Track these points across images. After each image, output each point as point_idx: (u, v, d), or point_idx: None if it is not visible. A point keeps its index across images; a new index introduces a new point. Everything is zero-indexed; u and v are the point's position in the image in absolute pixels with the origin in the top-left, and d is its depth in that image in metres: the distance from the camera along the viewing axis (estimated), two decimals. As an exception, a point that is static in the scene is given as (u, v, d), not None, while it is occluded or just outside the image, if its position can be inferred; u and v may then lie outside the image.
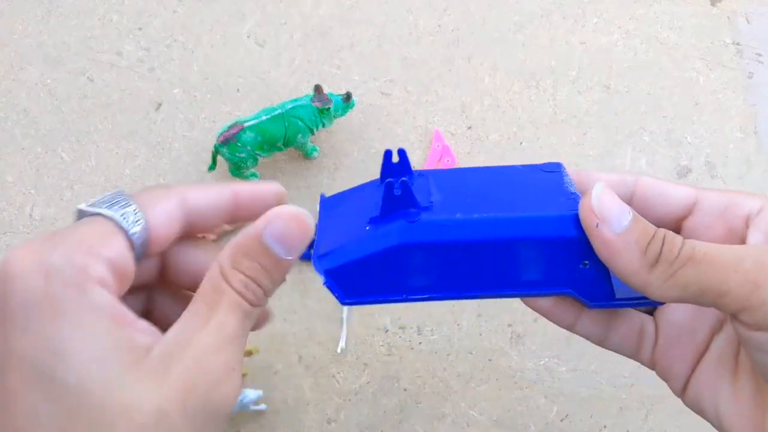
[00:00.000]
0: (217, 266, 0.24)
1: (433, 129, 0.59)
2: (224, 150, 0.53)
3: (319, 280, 0.57)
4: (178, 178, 0.58)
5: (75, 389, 0.20)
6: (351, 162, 0.58)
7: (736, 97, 0.60)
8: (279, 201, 0.28)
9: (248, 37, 0.63)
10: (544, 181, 0.29)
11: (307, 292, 0.54)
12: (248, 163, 0.54)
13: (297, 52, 0.62)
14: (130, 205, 0.24)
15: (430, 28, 0.63)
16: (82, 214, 0.24)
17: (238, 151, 0.53)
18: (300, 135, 0.54)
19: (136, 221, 0.23)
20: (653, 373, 0.32)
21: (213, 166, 0.56)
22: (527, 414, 0.51)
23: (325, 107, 0.54)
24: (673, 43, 0.62)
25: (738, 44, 0.62)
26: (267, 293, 0.26)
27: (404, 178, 0.26)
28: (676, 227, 0.30)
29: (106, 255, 0.22)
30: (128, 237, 0.23)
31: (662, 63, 0.62)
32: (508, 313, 0.54)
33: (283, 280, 0.26)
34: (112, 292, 0.22)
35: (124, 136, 0.60)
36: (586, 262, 0.26)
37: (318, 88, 0.54)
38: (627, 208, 0.25)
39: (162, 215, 0.24)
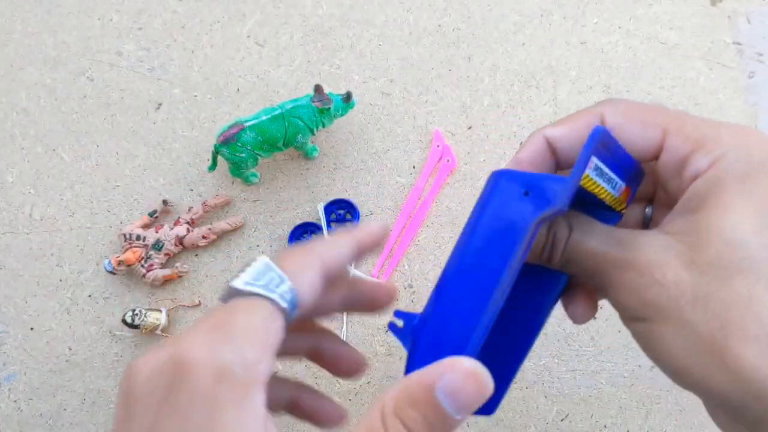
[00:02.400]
0: (379, 407, 0.23)
1: (433, 129, 0.59)
2: (224, 150, 0.53)
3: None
4: (178, 178, 0.58)
5: None
6: (351, 162, 0.58)
7: (736, 97, 0.60)
8: (383, 235, 0.29)
9: (248, 37, 0.63)
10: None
11: (307, 292, 0.54)
12: (248, 163, 0.54)
13: (297, 52, 0.62)
14: (285, 282, 0.24)
15: (430, 28, 0.63)
16: (237, 293, 0.24)
17: (238, 151, 0.53)
18: (300, 135, 0.54)
19: (292, 299, 0.24)
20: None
21: (213, 166, 0.56)
22: (527, 414, 0.51)
23: (325, 107, 0.54)
24: (673, 43, 0.62)
25: (738, 44, 0.62)
26: None
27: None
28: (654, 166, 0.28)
29: (272, 342, 0.23)
30: (286, 316, 0.24)
31: (662, 63, 0.62)
32: (508, 313, 0.54)
33: None
34: (267, 382, 0.22)
35: (124, 136, 0.60)
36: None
37: (318, 88, 0.54)
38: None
39: (309, 288, 0.25)
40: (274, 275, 0.24)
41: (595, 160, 0.25)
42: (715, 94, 0.60)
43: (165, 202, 0.56)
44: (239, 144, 0.53)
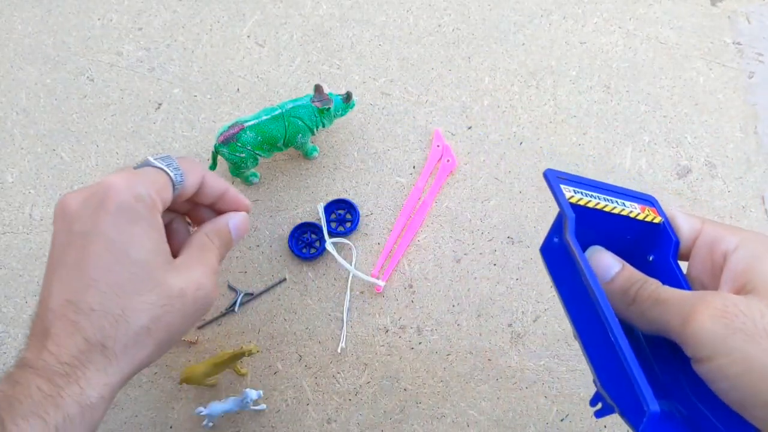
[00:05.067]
0: (202, 232, 0.42)
1: (433, 129, 0.59)
2: (224, 150, 0.53)
3: (319, 279, 0.56)
4: (178, 178, 0.58)
5: (137, 262, 0.36)
6: (351, 162, 0.58)
7: (736, 97, 0.60)
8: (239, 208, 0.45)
9: (248, 37, 0.63)
10: None
11: (307, 291, 0.54)
12: (248, 163, 0.54)
13: (297, 52, 0.62)
14: (179, 169, 0.40)
15: (430, 28, 0.63)
16: (148, 163, 0.39)
17: (238, 151, 0.53)
18: (300, 135, 0.54)
19: (180, 181, 0.39)
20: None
21: (213, 165, 0.56)
22: (527, 414, 0.51)
23: (325, 107, 0.54)
24: (673, 43, 0.62)
25: (738, 44, 0.62)
26: (225, 253, 0.43)
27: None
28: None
29: (164, 197, 0.38)
30: (174, 188, 0.39)
31: (662, 63, 0.62)
32: (508, 313, 0.54)
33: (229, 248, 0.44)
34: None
35: (124, 136, 0.60)
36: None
37: (318, 88, 0.54)
38: (615, 264, 0.34)
39: (192, 180, 0.41)
40: (173, 162, 0.40)
41: (569, 188, 0.34)
42: (715, 94, 0.60)
43: (165, 202, 0.56)
44: (239, 144, 0.53)
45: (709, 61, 0.62)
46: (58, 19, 0.64)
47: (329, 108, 0.54)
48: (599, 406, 0.33)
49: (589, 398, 0.53)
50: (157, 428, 0.51)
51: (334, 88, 0.60)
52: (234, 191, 0.44)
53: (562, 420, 0.51)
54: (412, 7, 0.64)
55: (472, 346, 0.53)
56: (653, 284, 0.33)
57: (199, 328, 0.54)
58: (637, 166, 0.58)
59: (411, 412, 0.51)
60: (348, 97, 0.55)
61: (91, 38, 0.63)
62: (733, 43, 0.62)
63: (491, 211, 0.57)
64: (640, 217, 0.36)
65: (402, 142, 0.59)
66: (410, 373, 0.52)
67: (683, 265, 0.36)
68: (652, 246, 0.37)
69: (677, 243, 0.36)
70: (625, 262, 0.35)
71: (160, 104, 0.61)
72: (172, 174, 0.39)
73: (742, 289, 0.31)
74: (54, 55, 0.63)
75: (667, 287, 0.33)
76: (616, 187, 0.37)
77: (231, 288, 0.55)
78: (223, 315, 0.54)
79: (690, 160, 0.58)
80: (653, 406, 0.28)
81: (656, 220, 0.36)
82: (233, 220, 0.44)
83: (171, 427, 0.51)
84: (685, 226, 0.36)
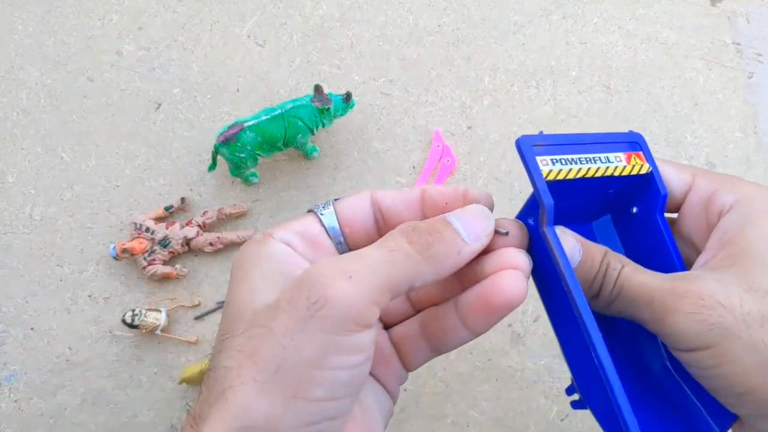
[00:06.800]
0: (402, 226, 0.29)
1: (433, 129, 0.59)
2: (224, 150, 0.53)
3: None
4: (178, 178, 0.58)
5: (235, 306, 0.27)
6: (351, 162, 0.58)
7: (736, 97, 0.60)
8: (466, 200, 0.31)
9: (248, 37, 0.63)
10: None
11: (307, 292, 0.54)
12: (248, 163, 0.54)
13: (297, 52, 0.62)
14: (329, 202, 0.31)
15: (430, 28, 0.63)
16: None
17: (238, 151, 0.53)
18: (300, 135, 0.54)
19: (326, 207, 0.31)
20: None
21: (213, 166, 0.56)
22: (527, 414, 0.51)
23: (325, 107, 0.54)
24: (673, 43, 0.62)
25: (738, 44, 0.62)
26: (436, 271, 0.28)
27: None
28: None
29: (295, 228, 0.30)
30: (319, 218, 0.31)
31: (662, 63, 0.62)
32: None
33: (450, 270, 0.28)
34: (295, 248, 0.30)
35: (124, 136, 0.60)
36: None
37: (318, 88, 0.54)
38: (576, 247, 0.29)
39: (348, 204, 0.31)
40: (329, 205, 0.31)
41: (546, 158, 0.29)
42: (714, 94, 0.60)
43: (183, 200, 0.56)
44: (239, 144, 0.53)
45: (708, 61, 0.62)
46: (58, 19, 0.64)
47: (329, 108, 0.54)
48: (576, 396, 0.31)
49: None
50: (157, 428, 0.51)
51: (334, 88, 0.60)
52: (437, 187, 0.31)
53: (562, 420, 0.51)
54: (412, 7, 0.64)
55: (472, 346, 0.53)
56: (616, 271, 0.29)
57: (197, 319, 0.54)
58: (637, 166, 0.58)
59: (411, 412, 0.51)
60: (348, 97, 0.56)
61: (91, 38, 0.63)
62: (733, 43, 0.62)
63: (491, 211, 0.57)
64: (626, 172, 0.32)
65: (402, 142, 0.59)
66: (410, 373, 0.52)
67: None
68: (638, 197, 0.33)
69: (665, 196, 0.32)
70: (584, 242, 0.30)
71: (160, 104, 0.61)
72: (313, 208, 0.31)
73: (725, 259, 0.29)
74: (54, 55, 0.63)
75: (632, 277, 0.29)
76: (596, 136, 0.32)
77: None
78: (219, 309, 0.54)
79: (690, 160, 0.58)
80: None
81: (643, 170, 0.32)
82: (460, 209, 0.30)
83: (172, 427, 0.51)
84: (674, 178, 0.32)
